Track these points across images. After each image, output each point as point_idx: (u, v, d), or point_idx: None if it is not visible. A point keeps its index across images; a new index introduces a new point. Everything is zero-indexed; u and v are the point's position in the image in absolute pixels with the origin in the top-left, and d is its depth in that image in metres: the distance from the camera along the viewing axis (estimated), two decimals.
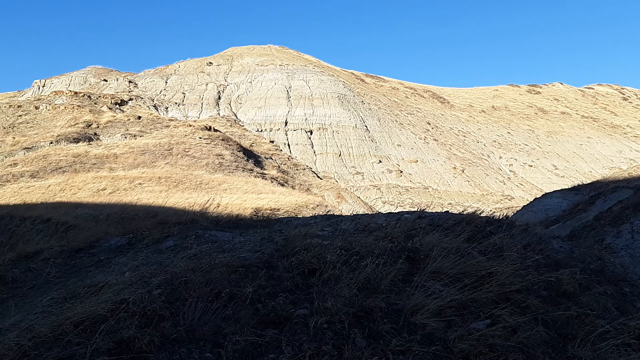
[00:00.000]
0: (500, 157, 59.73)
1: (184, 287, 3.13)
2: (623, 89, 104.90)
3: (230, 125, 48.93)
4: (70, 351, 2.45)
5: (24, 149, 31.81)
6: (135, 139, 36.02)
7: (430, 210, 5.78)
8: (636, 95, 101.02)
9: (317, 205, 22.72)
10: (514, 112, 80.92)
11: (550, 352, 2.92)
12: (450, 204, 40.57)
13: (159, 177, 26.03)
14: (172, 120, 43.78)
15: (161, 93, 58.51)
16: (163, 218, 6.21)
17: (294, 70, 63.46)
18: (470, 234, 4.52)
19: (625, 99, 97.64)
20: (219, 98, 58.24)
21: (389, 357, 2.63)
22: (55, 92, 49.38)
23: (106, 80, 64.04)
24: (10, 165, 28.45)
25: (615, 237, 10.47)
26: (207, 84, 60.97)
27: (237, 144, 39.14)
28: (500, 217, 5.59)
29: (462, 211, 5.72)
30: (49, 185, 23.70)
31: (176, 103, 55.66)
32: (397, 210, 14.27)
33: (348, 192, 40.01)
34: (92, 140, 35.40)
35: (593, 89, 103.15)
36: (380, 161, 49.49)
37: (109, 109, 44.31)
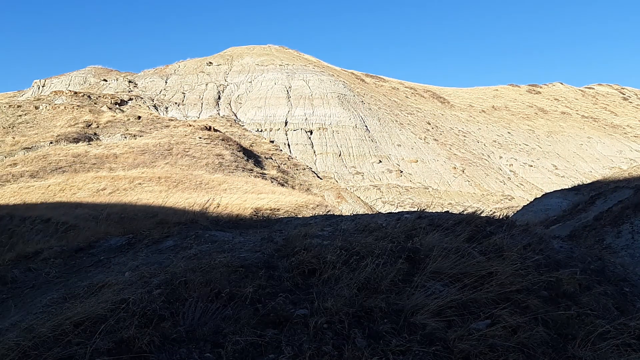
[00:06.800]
0: (501, 157, 59.72)
1: (184, 287, 3.12)
2: (623, 89, 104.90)
3: (230, 125, 48.93)
4: (70, 351, 2.45)
5: (24, 149, 31.81)
6: (135, 139, 36.01)
7: (430, 210, 5.78)
8: (636, 95, 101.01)
9: (317, 205, 22.70)
10: (514, 112, 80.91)
11: (550, 352, 2.92)
12: (450, 204, 40.57)
13: (159, 177, 26.03)
14: (172, 120, 43.77)
15: (161, 93, 58.50)
16: (163, 218, 6.21)
17: (294, 70, 63.44)
18: (471, 234, 4.52)
19: (625, 99, 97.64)
20: (219, 98, 58.23)
21: (389, 357, 2.62)
22: (55, 92, 49.35)
23: (106, 80, 64.01)
24: (10, 165, 28.45)
25: (616, 237, 10.48)
26: (207, 84, 60.96)
27: (237, 144, 39.14)
28: (501, 217, 5.58)
29: (462, 211, 5.71)
30: (49, 185, 23.69)
31: (176, 103, 55.65)
32: (397, 210, 14.26)
33: (348, 192, 39.99)
34: (92, 140, 35.40)
35: (593, 88, 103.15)
36: (380, 161, 49.48)
37: (109, 109, 44.30)
